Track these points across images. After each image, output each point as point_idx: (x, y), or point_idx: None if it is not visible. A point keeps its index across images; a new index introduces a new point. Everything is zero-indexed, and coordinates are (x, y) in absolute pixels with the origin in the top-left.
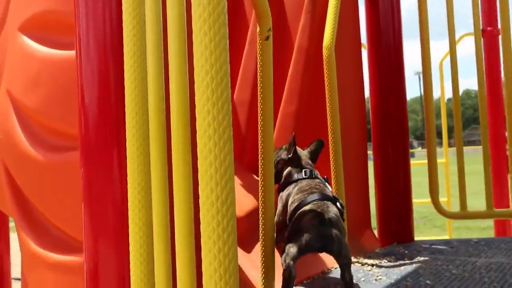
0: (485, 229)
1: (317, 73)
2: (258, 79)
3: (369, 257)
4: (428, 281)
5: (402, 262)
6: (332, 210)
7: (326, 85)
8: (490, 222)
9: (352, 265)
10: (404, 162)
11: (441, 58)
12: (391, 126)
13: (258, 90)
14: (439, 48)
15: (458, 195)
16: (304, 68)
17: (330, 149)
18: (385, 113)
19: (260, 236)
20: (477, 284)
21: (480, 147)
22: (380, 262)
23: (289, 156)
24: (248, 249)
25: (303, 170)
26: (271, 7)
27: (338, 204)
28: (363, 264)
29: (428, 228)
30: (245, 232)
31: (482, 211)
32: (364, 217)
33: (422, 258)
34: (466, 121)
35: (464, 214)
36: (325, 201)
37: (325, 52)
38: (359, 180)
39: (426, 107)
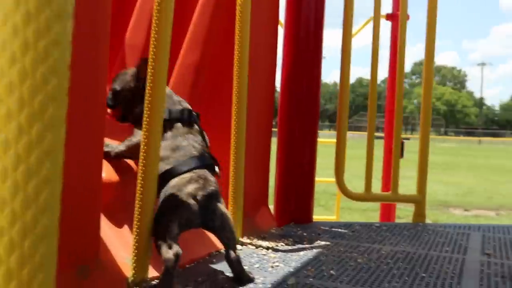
0: (365, 211)
1: (228, 26)
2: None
3: (264, 238)
4: (332, 271)
5: (301, 246)
6: (212, 181)
7: (236, 41)
8: (370, 205)
9: (245, 247)
10: (311, 139)
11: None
12: (301, 102)
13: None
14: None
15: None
16: (211, 16)
17: (233, 113)
18: (298, 87)
19: (136, 207)
20: (386, 276)
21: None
22: (277, 245)
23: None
24: (118, 223)
25: (181, 110)
26: None
27: (216, 169)
28: (257, 247)
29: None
30: (115, 202)
31: (386, 194)
32: (261, 193)
33: (323, 243)
34: (357, 107)
35: (367, 196)
36: (204, 169)
37: (239, 3)
38: (260, 152)
39: (340, 92)
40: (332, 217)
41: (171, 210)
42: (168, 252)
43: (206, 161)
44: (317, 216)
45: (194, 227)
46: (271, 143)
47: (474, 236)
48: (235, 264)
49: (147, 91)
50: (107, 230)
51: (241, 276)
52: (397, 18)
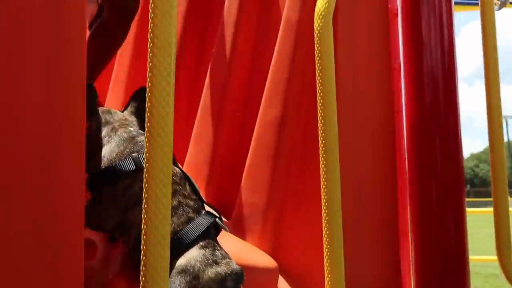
0: None
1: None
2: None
3: None
4: None
5: None
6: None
7: (317, 69)
8: None
9: None
10: (456, 201)
11: None
12: (436, 154)
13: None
14: None
15: None
16: (292, 54)
17: (322, 179)
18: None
19: None
20: None
21: None
22: None
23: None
24: None
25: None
26: None
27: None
28: None
29: None
30: None
31: None
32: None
33: None
34: None
35: None
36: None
37: (317, 21)
38: (378, 224)
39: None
40: None
41: None
42: None
43: (210, 218)
44: None
45: None
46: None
47: None
48: None
49: None
50: None
51: None
52: None
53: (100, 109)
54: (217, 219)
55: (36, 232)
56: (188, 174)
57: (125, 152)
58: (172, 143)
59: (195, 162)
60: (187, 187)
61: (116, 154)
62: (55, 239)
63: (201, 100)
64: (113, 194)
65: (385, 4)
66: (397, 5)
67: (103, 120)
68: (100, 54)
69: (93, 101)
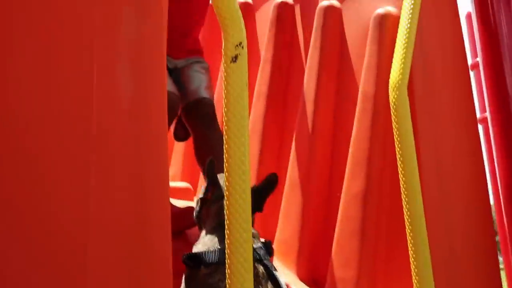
0: None
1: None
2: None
3: None
4: None
5: None
6: None
7: (396, 142)
8: None
9: None
10: None
11: None
12: None
13: None
14: None
15: None
16: (371, 125)
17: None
18: None
19: None
20: None
21: None
22: None
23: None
24: None
25: None
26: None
27: None
28: None
29: None
30: None
31: None
32: None
33: None
34: None
35: None
36: None
37: (392, 94)
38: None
39: None
40: None
41: None
42: None
43: None
44: None
45: None
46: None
47: None
48: None
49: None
50: None
51: None
52: None
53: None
54: None
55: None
56: (279, 251)
57: (215, 244)
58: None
59: (285, 239)
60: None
61: (210, 241)
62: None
63: (287, 177)
64: (195, 276)
65: (464, 67)
66: (477, 61)
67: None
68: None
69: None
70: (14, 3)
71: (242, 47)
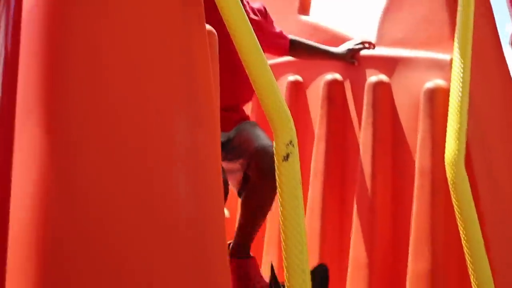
0: None
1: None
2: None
3: None
4: None
5: None
6: None
7: (458, 220)
8: None
9: None
10: None
11: None
12: None
13: None
14: None
15: None
16: (431, 201)
17: None
18: None
19: None
20: None
21: None
22: None
23: None
24: None
25: None
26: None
27: None
28: None
29: None
30: None
31: None
32: None
33: None
34: None
35: None
36: None
37: (449, 171)
38: None
39: None
40: None
41: None
42: None
43: None
44: None
45: None
46: None
47: None
48: None
49: None
50: None
51: None
52: None
53: None
54: None
55: None
56: None
57: None
58: None
59: None
60: None
61: None
62: None
63: (350, 257)
64: None
65: None
66: None
67: None
68: (253, 218)
69: None
70: None
71: (293, 145)
